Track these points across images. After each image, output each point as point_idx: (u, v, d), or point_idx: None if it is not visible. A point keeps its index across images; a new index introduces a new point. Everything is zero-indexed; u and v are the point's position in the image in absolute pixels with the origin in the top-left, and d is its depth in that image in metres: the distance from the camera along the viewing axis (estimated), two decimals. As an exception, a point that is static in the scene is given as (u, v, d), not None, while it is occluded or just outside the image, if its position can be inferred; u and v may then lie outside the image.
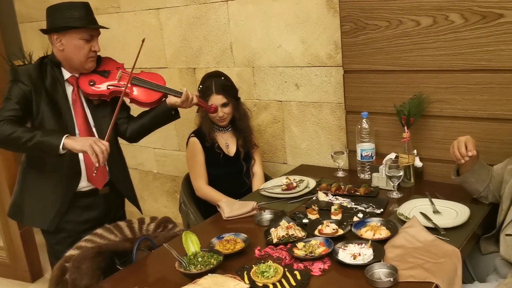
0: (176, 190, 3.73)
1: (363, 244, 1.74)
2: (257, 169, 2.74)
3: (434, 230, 1.85)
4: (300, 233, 1.92)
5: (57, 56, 2.24)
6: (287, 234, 1.90)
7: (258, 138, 3.02)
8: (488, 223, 2.01)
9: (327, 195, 2.30)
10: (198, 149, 2.63)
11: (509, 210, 1.85)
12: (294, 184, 2.45)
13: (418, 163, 2.40)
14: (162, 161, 3.78)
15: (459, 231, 1.86)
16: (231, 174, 2.67)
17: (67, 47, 2.19)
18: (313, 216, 2.07)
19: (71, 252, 1.95)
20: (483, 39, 2.13)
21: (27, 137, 2.04)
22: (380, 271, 1.60)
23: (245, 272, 1.69)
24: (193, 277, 1.66)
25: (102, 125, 2.32)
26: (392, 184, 2.25)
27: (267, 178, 2.76)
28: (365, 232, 1.86)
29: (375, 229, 1.85)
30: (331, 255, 1.74)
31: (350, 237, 1.86)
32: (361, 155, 2.52)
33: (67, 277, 1.85)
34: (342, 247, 1.75)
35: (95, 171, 2.04)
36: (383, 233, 1.84)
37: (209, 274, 1.66)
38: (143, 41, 2.27)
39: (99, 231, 2.07)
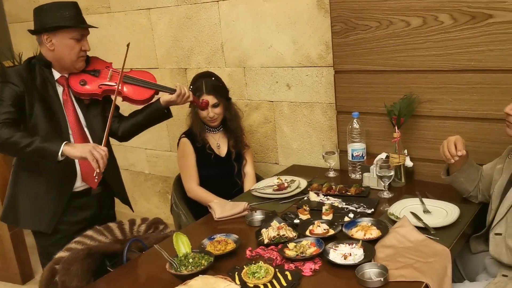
0: (168, 190, 3.72)
1: (354, 244, 1.74)
2: (249, 170, 2.74)
3: (424, 229, 1.86)
4: (291, 234, 1.92)
5: (47, 56, 2.22)
6: (278, 234, 1.91)
7: (249, 138, 3.02)
8: (477, 222, 2.02)
9: (318, 195, 2.30)
10: (189, 150, 2.62)
11: (499, 209, 1.86)
12: (286, 185, 2.45)
13: (408, 163, 2.41)
14: (154, 161, 3.76)
15: (449, 231, 1.87)
16: (222, 174, 2.66)
17: (58, 46, 2.18)
18: (304, 216, 2.07)
19: (61, 254, 1.94)
20: (472, 39, 2.15)
21: (25, 142, 2.02)
22: (370, 271, 1.61)
23: (236, 273, 1.69)
24: (184, 279, 1.65)
25: (94, 124, 2.31)
26: (383, 184, 2.26)
27: (258, 178, 2.76)
28: (356, 232, 1.86)
29: (366, 229, 1.86)
30: (322, 255, 1.74)
31: (341, 237, 1.86)
32: (352, 155, 2.52)
33: (57, 279, 1.84)
34: (333, 247, 1.75)
35: (96, 177, 2.03)
36: (374, 233, 1.84)
37: (200, 275, 1.66)
38: (128, 45, 2.28)
39: (89, 232, 2.06)
